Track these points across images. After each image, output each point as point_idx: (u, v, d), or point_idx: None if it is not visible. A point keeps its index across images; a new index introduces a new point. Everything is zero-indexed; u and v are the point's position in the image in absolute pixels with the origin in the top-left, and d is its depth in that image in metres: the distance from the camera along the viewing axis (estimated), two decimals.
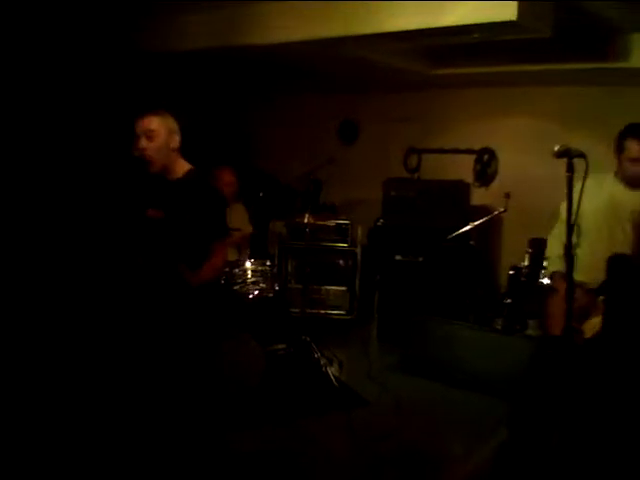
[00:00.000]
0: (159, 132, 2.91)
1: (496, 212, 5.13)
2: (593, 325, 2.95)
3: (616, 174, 3.19)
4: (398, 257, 5.68)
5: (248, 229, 5.28)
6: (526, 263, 5.09)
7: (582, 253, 3.10)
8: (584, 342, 2.92)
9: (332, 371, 4.53)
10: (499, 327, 4.97)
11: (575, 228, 2.66)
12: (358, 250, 6.12)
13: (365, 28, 4.27)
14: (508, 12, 3.64)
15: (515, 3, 3.60)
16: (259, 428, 3.69)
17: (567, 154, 2.51)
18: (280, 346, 4.65)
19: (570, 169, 2.50)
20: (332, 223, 6.14)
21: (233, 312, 4.34)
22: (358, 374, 4.73)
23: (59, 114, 5.24)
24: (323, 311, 6.02)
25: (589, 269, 3.04)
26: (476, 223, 5.08)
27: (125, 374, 3.00)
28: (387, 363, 5.01)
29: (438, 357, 4.67)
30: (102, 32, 5.14)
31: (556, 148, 2.52)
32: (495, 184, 6.18)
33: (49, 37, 4.98)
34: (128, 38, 5.25)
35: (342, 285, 6.07)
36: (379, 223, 5.87)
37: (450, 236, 5.09)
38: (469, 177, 6.15)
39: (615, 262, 2.99)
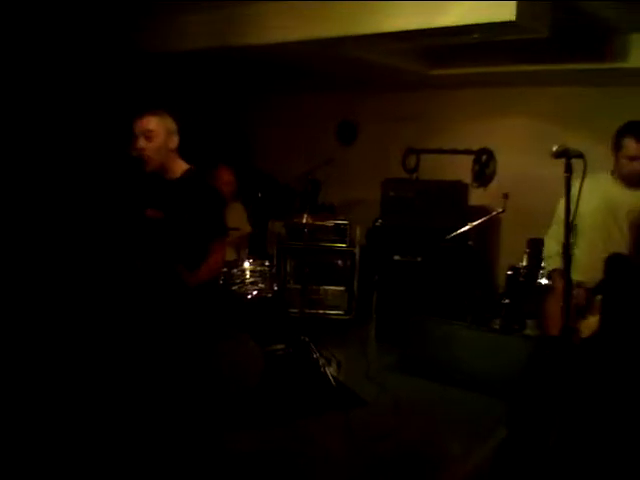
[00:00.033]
0: (158, 132, 2.91)
1: (494, 212, 5.13)
2: (590, 324, 2.95)
3: (613, 173, 3.20)
4: (396, 257, 5.69)
5: (247, 229, 5.27)
6: (524, 263, 5.10)
7: (579, 253, 3.11)
8: (581, 341, 2.93)
9: (330, 371, 4.53)
10: (497, 327, 4.97)
11: (572, 228, 2.67)
12: (356, 250, 6.13)
13: (363, 28, 4.28)
14: (506, 12, 3.64)
15: (513, 3, 3.61)
16: (258, 428, 3.69)
17: (565, 154, 2.51)
18: (279, 346, 4.65)
19: (568, 169, 2.50)
20: (331, 223, 6.14)
21: (232, 312, 4.33)
22: (356, 374, 4.73)
23: (58, 114, 5.23)
24: (322, 311, 6.02)
25: (586, 269, 3.05)
26: (474, 223, 5.08)
27: (124, 374, 3.00)
28: (385, 363, 5.01)
29: (436, 357, 4.67)
30: (102, 32, 5.15)
31: (554, 148, 2.53)
32: (493, 184, 6.19)
33: (49, 37, 4.98)
34: (128, 38, 5.25)
35: (340, 285, 6.08)
36: (377, 223, 5.87)
37: (448, 236, 5.09)
38: (467, 177, 6.15)
39: (613, 262, 3.00)
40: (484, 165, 6.25)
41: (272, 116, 7.52)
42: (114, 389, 3.09)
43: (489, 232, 6.07)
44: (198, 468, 3.02)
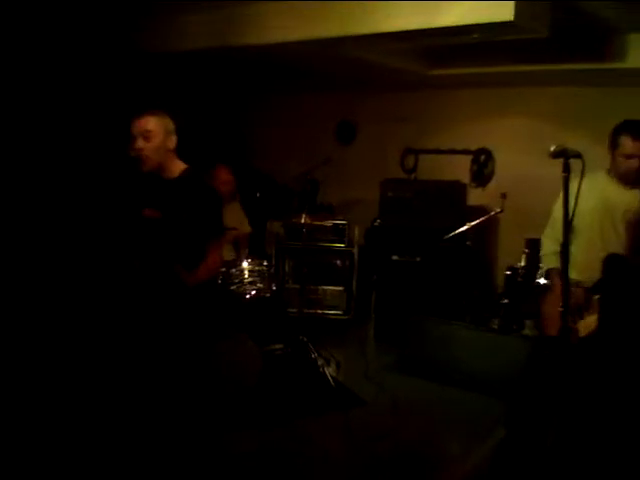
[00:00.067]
0: (156, 132, 2.90)
1: (493, 212, 5.13)
2: (588, 324, 2.96)
3: (609, 172, 3.20)
4: (395, 257, 5.69)
5: (246, 229, 5.27)
6: (522, 263, 5.10)
7: (576, 252, 3.11)
8: (579, 341, 2.93)
9: (329, 371, 4.53)
10: (496, 327, 4.98)
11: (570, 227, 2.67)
12: (355, 250, 6.13)
13: (362, 28, 4.28)
14: (505, 12, 3.64)
15: (512, 3, 3.61)
16: (256, 428, 3.69)
17: (563, 154, 2.51)
18: (277, 346, 4.65)
19: (566, 169, 2.51)
20: (329, 223, 6.14)
21: (230, 312, 4.33)
22: (355, 374, 4.73)
23: (57, 113, 5.23)
24: (320, 311, 6.01)
25: (583, 268, 3.05)
26: (473, 223, 5.08)
27: (122, 375, 2.99)
28: (384, 363, 5.01)
29: (435, 357, 4.67)
30: (102, 32, 5.14)
31: (552, 148, 2.53)
32: (492, 184, 6.19)
33: (49, 36, 4.98)
34: (128, 38, 5.25)
35: (339, 285, 6.08)
36: (376, 223, 5.88)
37: (447, 236, 5.09)
38: (466, 177, 6.15)
39: (611, 261, 3.00)
40: (482, 165, 6.26)
41: (271, 116, 7.52)
42: (113, 389, 3.08)
43: (487, 232, 6.08)
44: (196, 468, 3.02)
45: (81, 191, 4.90)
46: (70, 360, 3.82)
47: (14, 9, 4.59)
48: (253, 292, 4.52)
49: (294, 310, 5.30)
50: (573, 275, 2.73)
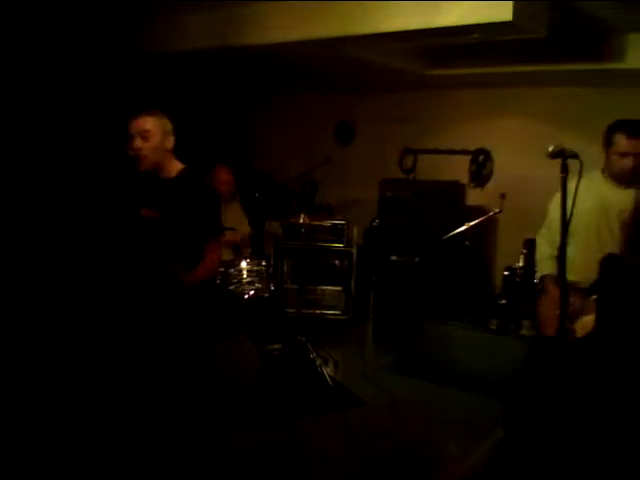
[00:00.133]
0: (154, 132, 2.91)
1: (491, 213, 5.14)
2: (585, 324, 2.96)
3: (603, 171, 3.19)
4: (394, 257, 5.69)
5: (246, 229, 5.27)
6: (521, 264, 5.09)
7: (572, 253, 3.09)
8: (576, 341, 2.93)
9: (328, 371, 4.53)
10: (494, 327, 4.98)
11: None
12: (354, 250, 6.13)
13: (362, 28, 4.28)
14: (503, 12, 3.64)
15: (510, 3, 3.61)
16: (254, 428, 3.69)
17: (561, 155, 2.51)
18: (275, 346, 4.65)
19: (564, 170, 2.51)
20: (328, 223, 6.14)
21: (228, 312, 4.33)
22: (354, 374, 4.73)
23: (57, 113, 5.23)
24: (319, 311, 6.02)
25: (580, 269, 3.05)
26: (471, 224, 5.08)
27: (121, 375, 2.99)
28: (382, 363, 5.01)
29: (433, 357, 4.67)
30: (102, 32, 5.14)
31: (550, 149, 2.52)
32: (490, 185, 6.18)
33: (49, 36, 4.97)
34: (128, 38, 5.25)
35: (338, 285, 6.08)
36: (375, 223, 5.88)
37: (445, 236, 5.09)
38: (464, 178, 6.15)
39: (608, 262, 3.00)
40: (481, 165, 6.25)
41: (270, 116, 7.52)
42: (111, 389, 3.08)
43: (486, 232, 6.08)
44: (194, 468, 3.02)
45: (79, 190, 4.90)
46: (68, 360, 3.82)
47: (14, 9, 4.58)
48: (251, 292, 4.52)
49: (292, 310, 5.30)
50: (570, 276, 2.72)
